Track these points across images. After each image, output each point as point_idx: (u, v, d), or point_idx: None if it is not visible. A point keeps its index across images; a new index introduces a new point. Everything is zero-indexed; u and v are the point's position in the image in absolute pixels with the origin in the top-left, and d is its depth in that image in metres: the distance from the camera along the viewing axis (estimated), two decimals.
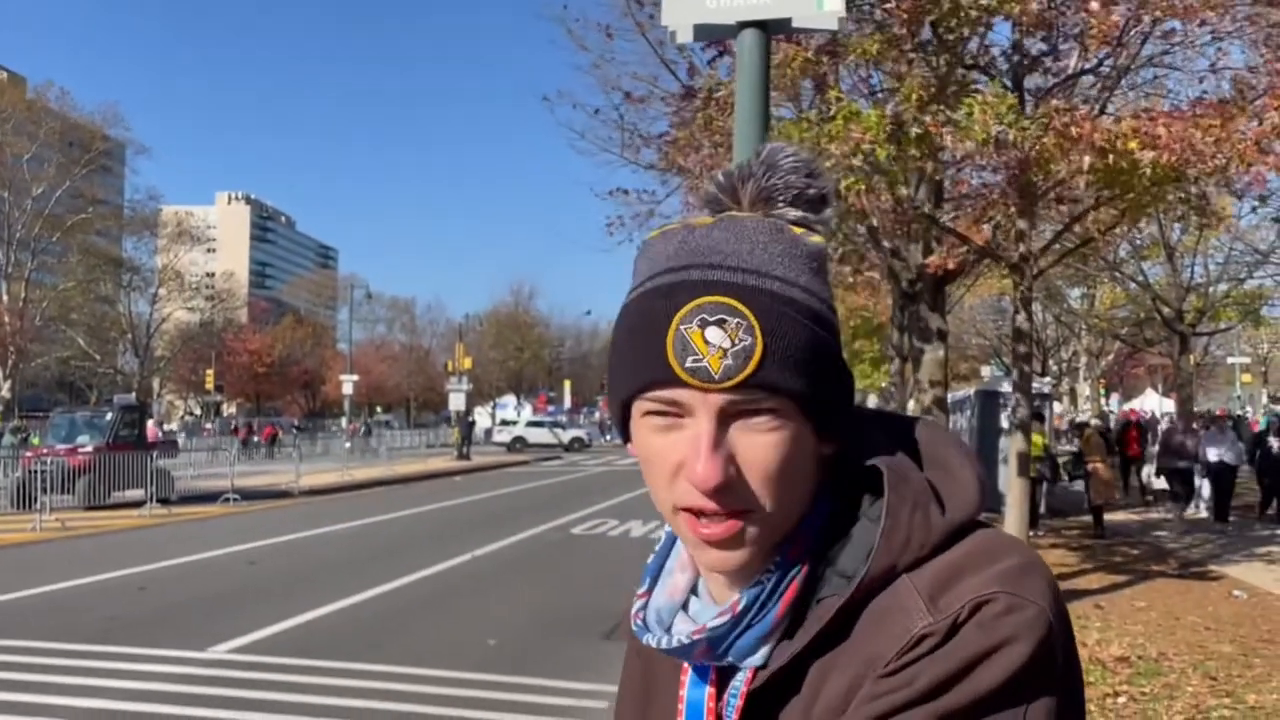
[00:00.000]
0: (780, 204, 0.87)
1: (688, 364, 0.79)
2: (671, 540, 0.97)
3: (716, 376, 0.78)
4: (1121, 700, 6.38)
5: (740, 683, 0.86)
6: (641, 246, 0.90)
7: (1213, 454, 15.91)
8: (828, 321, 0.84)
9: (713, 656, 0.86)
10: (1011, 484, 11.44)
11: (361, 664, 7.55)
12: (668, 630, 0.90)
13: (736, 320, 0.79)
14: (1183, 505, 16.07)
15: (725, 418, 0.80)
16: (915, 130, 8.21)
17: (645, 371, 0.81)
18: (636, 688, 1.03)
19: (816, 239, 0.86)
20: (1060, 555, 12.88)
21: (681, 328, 0.79)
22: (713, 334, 0.79)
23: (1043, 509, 16.06)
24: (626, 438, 0.89)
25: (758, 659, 0.85)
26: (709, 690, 0.89)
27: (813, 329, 0.82)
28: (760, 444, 0.80)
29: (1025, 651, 0.75)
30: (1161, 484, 17.16)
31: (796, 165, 0.88)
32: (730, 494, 0.80)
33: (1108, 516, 15.62)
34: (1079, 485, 17.19)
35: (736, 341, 0.79)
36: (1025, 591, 0.77)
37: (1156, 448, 17.34)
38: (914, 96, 8.21)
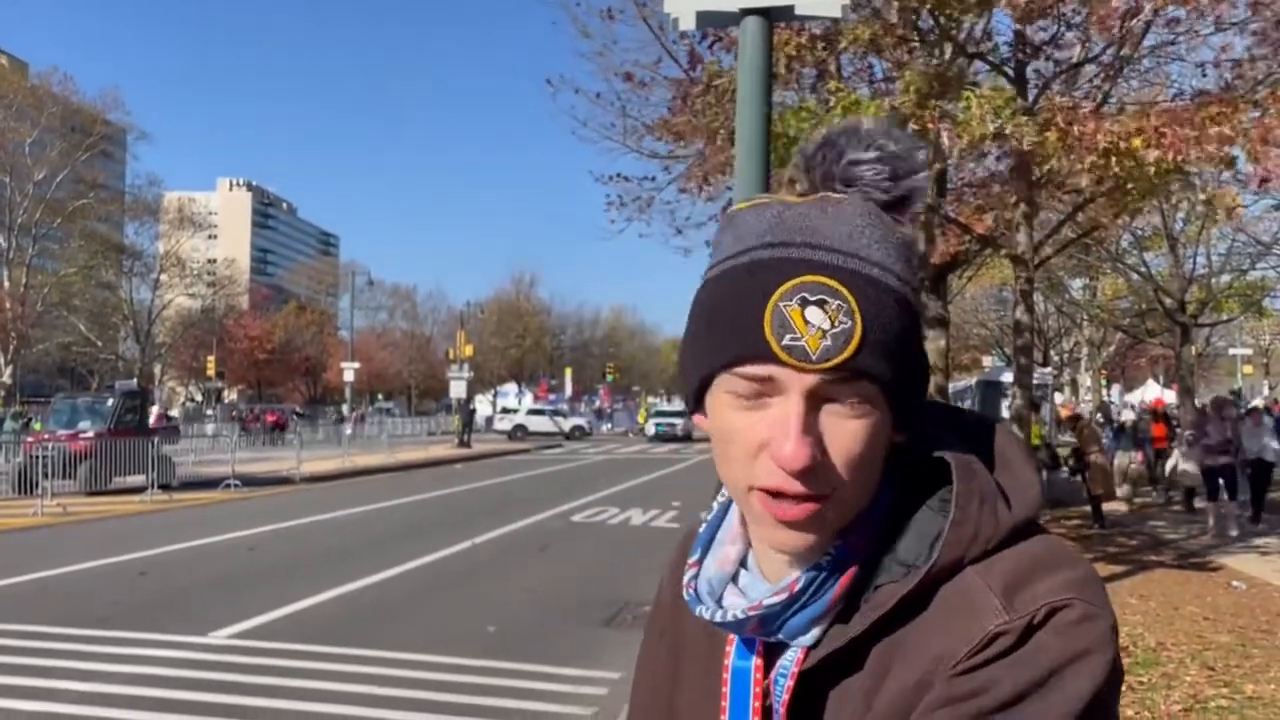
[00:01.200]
0: (874, 192, 0.85)
1: (785, 341, 0.78)
2: (724, 511, 0.97)
3: (814, 357, 0.77)
4: None
5: (791, 661, 0.86)
6: (727, 218, 0.88)
7: (1252, 447, 14.74)
8: (915, 312, 0.84)
9: (764, 633, 0.87)
10: None
11: (361, 649, 7.57)
12: (718, 602, 0.90)
13: (837, 302, 0.78)
14: (1225, 504, 14.09)
15: (815, 400, 0.79)
16: (913, 127, 8.19)
17: (738, 345, 0.80)
18: (662, 669, 1.03)
19: (908, 229, 0.85)
20: None
21: (781, 304, 0.78)
22: (813, 314, 0.78)
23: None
24: (696, 409, 0.88)
25: (809, 639, 0.85)
26: (756, 662, 0.89)
27: (905, 318, 0.82)
28: (848, 429, 0.80)
29: (1105, 664, 0.75)
30: (1190, 478, 15.46)
31: (886, 158, 0.85)
32: (814, 477, 0.79)
33: (1113, 508, 15.63)
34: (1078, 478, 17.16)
35: (836, 324, 0.78)
36: (1097, 601, 0.78)
37: (1185, 442, 15.57)
38: (913, 89, 8.19)
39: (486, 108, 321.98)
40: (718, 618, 0.88)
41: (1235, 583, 10.27)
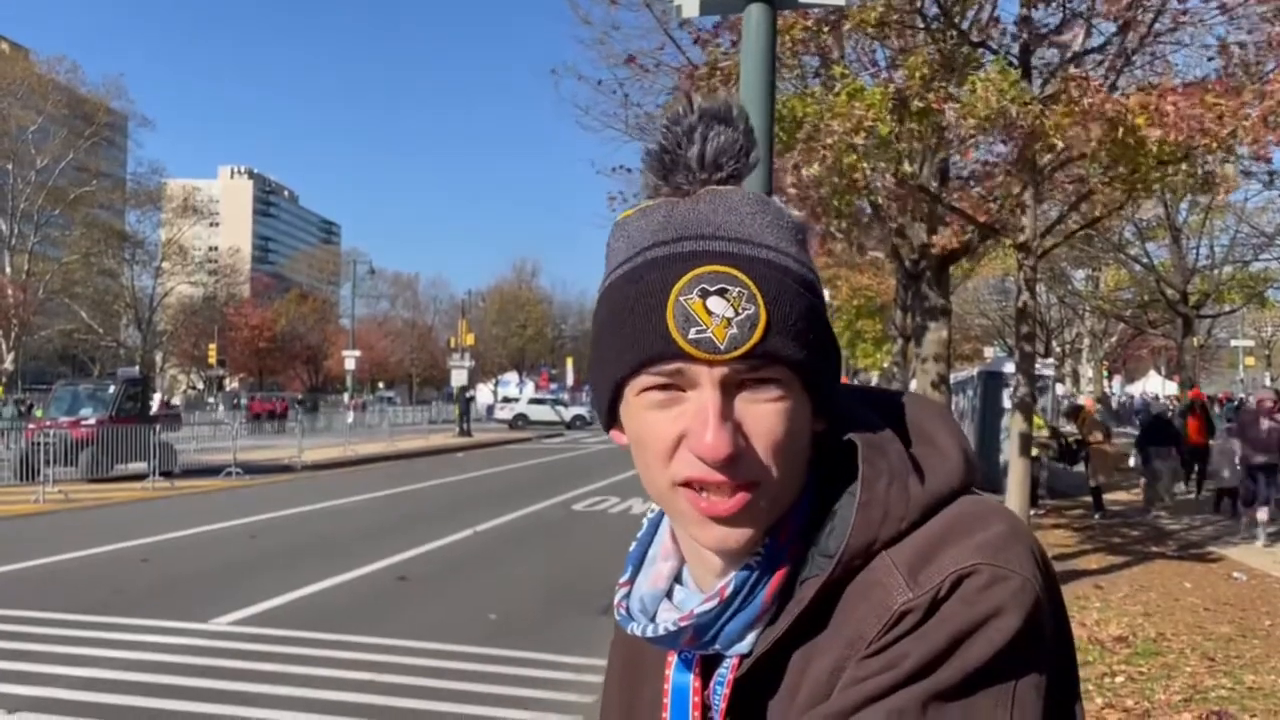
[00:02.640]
0: (730, 164, 0.83)
1: (691, 335, 0.76)
2: (653, 528, 0.95)
3: (722, 347, 0.76)
4: (1119, 680, 6.40)
5: (727, 670, 0.84)
6: (616, 226, 0.86)
7: None
8: (818, 292, 0.82)
9: (700, 644, 0.85)
10: (1013, 464, 11.44)
11: (362, 637, 7.58)
12: (652, 619, 0.88)
13: (738, 289, 0.77)
14: (1260, 509, 12.81)
15: (729, 389, 0.78)
16: (918, 104, 8.16)
17: (644, 347, 0.78)
18: (621, 677, 1.02)
19: (796, 213, 0.84)
20: (1061, 536, 12.91)
21: (681, 299, 0.77)
22: (715, 303, 0.76)
23: (1043, 490, 16.08)
24: (610, 424, 0.86)
25: (744, 646, 0.83)
26: (694, 683, 0.87)
27: (809, 298, 0.80)
28: (766, 413, 0.78)
29: (1013, 624, 0.73)
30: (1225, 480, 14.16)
31: (734, 131, 0.83)
32: (739, 465, 0.77)
33: (1111, 500, 15.62)
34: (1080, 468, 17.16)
35: (740, 310, 0.76)
36: (1008, 562, 0.75)
37: (1225, 437, 14.16)
38: (918, 74, 8.16)
39: (489, 96, 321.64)
40: (649, 633, 0.86)
41: (1236, 574, 10.28)
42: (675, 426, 0.79)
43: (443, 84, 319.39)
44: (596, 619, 8.02)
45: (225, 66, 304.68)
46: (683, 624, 0.83)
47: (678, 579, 0.91)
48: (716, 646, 0.84)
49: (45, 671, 6.63)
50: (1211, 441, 16.66)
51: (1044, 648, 0.75)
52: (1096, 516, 14.77)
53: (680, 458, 0.79)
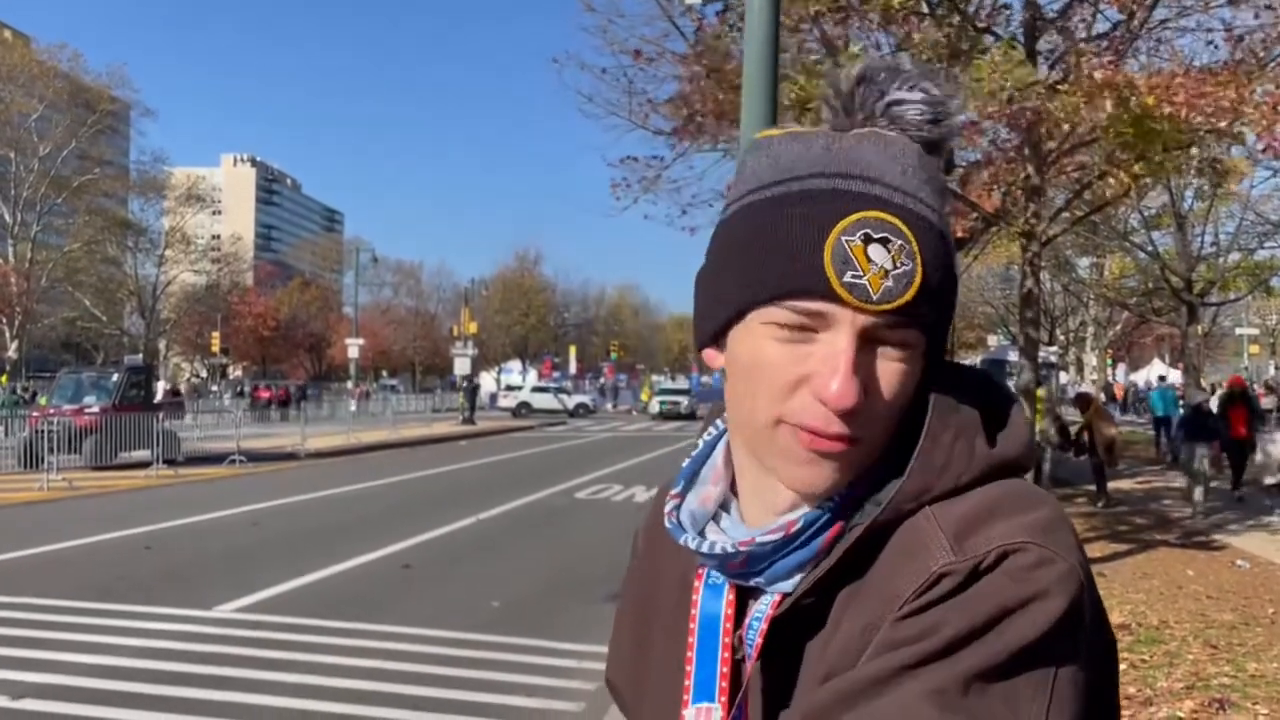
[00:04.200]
0: (916, 133, 0.81)
1: (846, 278, 0.74)
2: (709, 448, 0.93)
3: (875, 297, 0.74)
4: (1122, 667, 6.37)
5: (766, 607, 0.82)
6: (759, 145, 0.83)
7: None
8: (955, 259, 0.81)
9: (745, 574, 0.83)
10: None
11: (366, 624, 7.60)
12: (700, 533, 0.86)
13: (900, 242, 0.74)
14: None
15: (865, 340, 0.76)
16: None
17: (791, 278, 0.75)
18: (637, 614, 1.00)
19: (943, 174, 0.82)
20: None
21: (844, 238, 0.74)
22: (876, 251, 0.74)
23: (1046, 480, 16.06)
24: (710, 344, 0.84)
25: (788, 585, 0.81)
26: (726, 611, 0.85)
27: (952, 265, 0.79)
28: (893, 373, 0.77)
29: (1058, 607, 0.70)
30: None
31: (930, 101, 0.81)
32: (858, 418, 0.75)
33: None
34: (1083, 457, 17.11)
35: (898, 264, 0.74)
36: (1057, 546, 0.73)
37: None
38: (924, 57, 8.12)
39: (491, 84, 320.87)
40: (704, 549, 0.83)
41: (1239, 561, 10.27)
42: (800, 367, 0.76)
43: (445, 72, 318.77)
44: (599, 606, 8.03)
45: (227, 55, 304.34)
46: (743, 548, 0.81)
47: (724, 507, 0.90)
48: (760, 580, 0.82)
49: (50, 658, 6.65)
50: (1259, 432, 15.35)
51: (1084, 637, 0.73)
52: (1101, 504, 14.77)
53: (799, 399, 0.76)
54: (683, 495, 0.91)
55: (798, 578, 0.81)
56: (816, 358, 0.76)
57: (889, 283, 0.74)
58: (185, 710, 5.69)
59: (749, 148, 0.84)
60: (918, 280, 0.75)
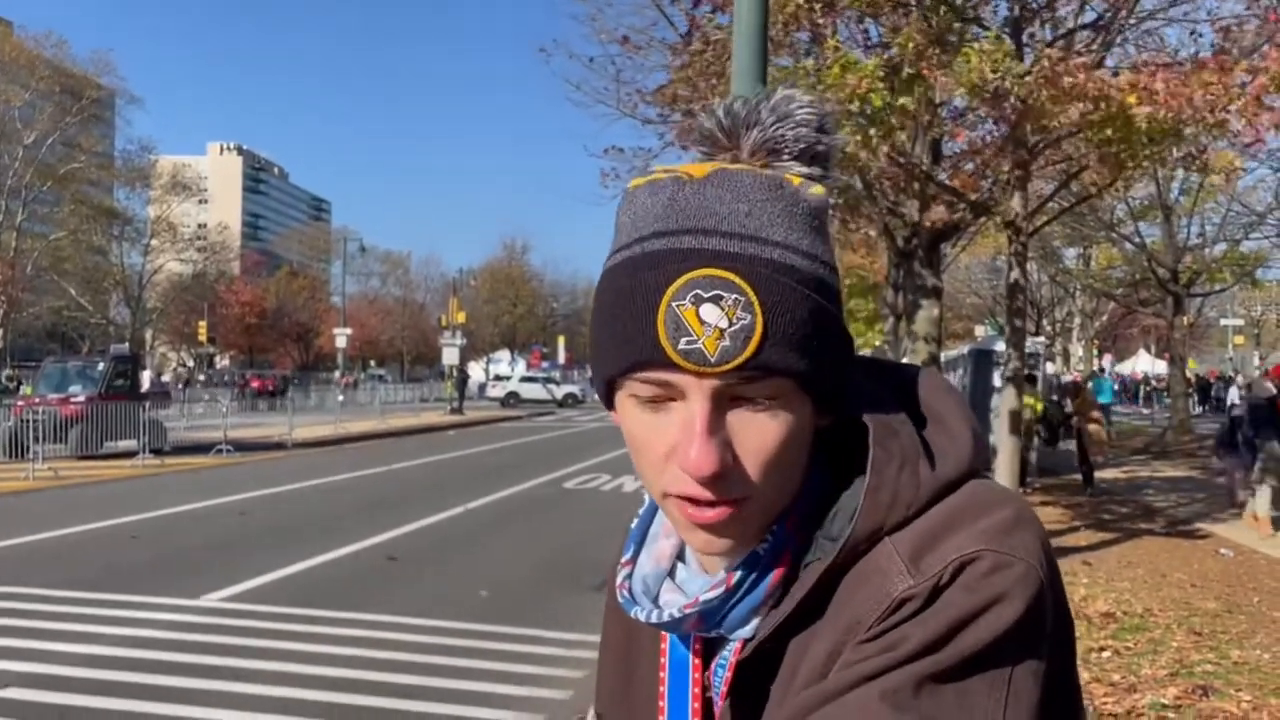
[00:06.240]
0: (785, 157, 0.80)
1: (681, 346, 0.72)
2: (655, 506, 0.93)
3: (713, 360, 0.72)
4: (1106, 655, 6.44)
5: (729, 653, 0.83)
6: (625, 196, 0.82)
7: None
8: (830, 288, 0.78)
9: (704, 629, 0.83)
10: (1002, 442, 11.49)
11: (354, 613, 7.60)
12: (655, 599, 0.87)
13: (734, 296, 0.72)
14: None
15: (721, 400, 0.74)
16: (909, 70, 8.11)
17: (634, 351, 0.75)
18: (620, 649, 1.00)
19: (817, 190, 0.79)
20: (1050, 513, 12.97)
21: (674, 304, 0.73)
22: (708, 312, 0.72)
23: (1032, 470, 16.14)
24: (611, 406, 0.83)
25: (748, 630, 0.81)
26: (693, 655, 0.86)
27: (816, 300, 0.76)
28: (759, 427, 0.75)
29: (1015, 610, 0.71)
30: None
31: (808, 118, 0.80)
32: (726, 481, 0.75)
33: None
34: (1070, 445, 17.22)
35: (734, 320, 0.72)
36: (1012, 548, 0.73)
37: None
38: (911, 45, 8.12)
39: (479, 72, 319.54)
40: (654, 618, 0.83)
41: (1223, 550, 10.34)
42: (665, 439, 0.76)
43: (432, 61, 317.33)
44: (587, 595, 8.04)
45: (213, 43, 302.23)
46: (687, 611, 0.81)
47: (680, 556, 0.89)
48: (721, 631, 0.83)
49: (35, 647, 6.63)
50: None
51: (1044, 635, 0.73)
52: (1087, 494, 14.85)
53: (671, 469, 0.76)
54: (634, 560, 0.91)
55: (755, 621, 0.81)
56: (676, 427, 0.75)
57: (725, 342, 0.72)
58: (172, 699, 5.68)
59: (622, 199, 0.83)
60: (758, 333, 0.72)
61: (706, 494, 0.75)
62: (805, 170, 0.80)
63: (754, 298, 0.73)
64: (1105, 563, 9.59)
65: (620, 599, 0.88)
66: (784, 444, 0.76)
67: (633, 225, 0.79)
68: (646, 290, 0.74)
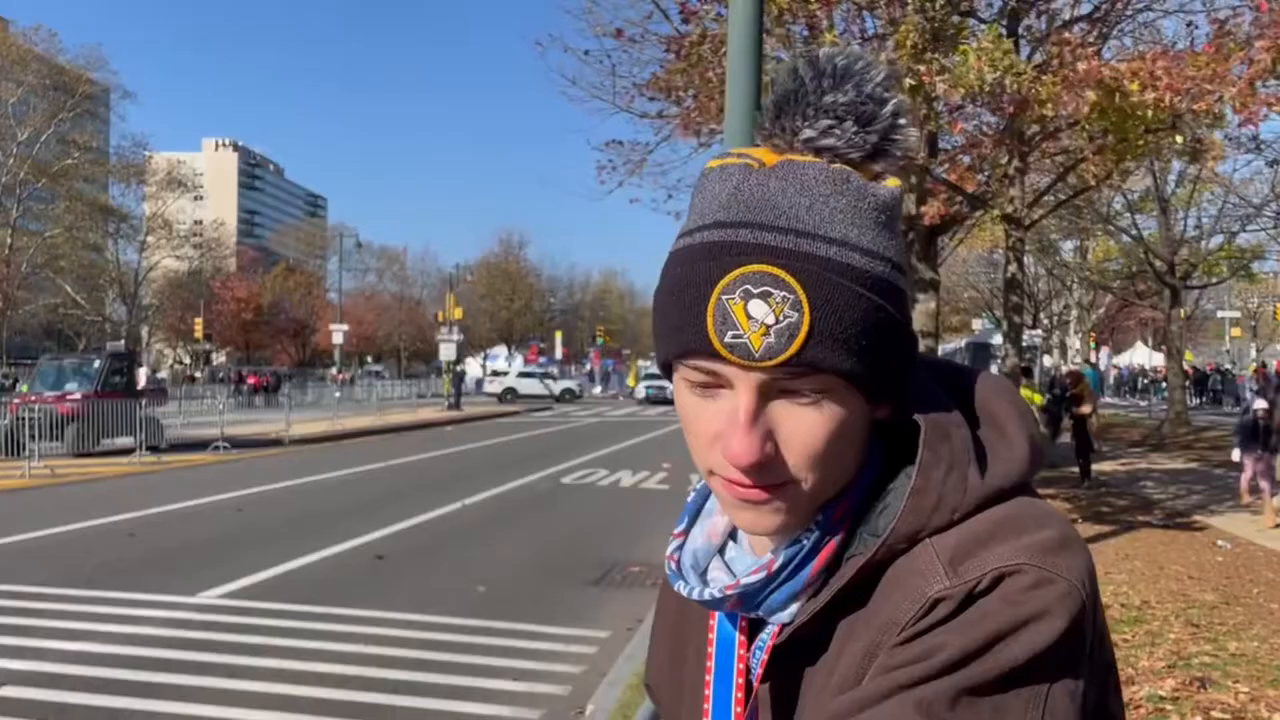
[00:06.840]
0: (839, 137, 0.77)
1: (727, 339, 0.74)
2: None
3: (756, 355, 0.73)
4: None
5: (768, 636, 0.84)
6: (701, 177, 0.83)
7: None
8: (891, 287, 0.77)
9: (744, 609, 0.85)
10: None
11: (352, 609, 7.59)
12: (702, 575, 0.88)
13: (783, 293, 0.73)
14: None
15: (767, 392, 0.75)
16: (909, 81, 8.10)
17: (685, 339, 0.76)
18: (671, 627, 1.01)
19: (892, 183, 0.78)
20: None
21: (723, 298, 0.74)
22: (756, 308, 0.73)
23: None
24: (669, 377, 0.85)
25: (786, 615, 0.83)
26: (739, 634, 0.87)
27: (870, 299, 0.75)
28: (802, 421, 0.76)
29: (1056, 628, 0.71)
30: None
31: (896, 110, 0.77)
32: (766, 471, 0.76)
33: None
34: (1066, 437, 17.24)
35: (781, 318, 0.73)
36: (1056, 566, 0.73)
37: None
38: (908, 43, 8.10)
39: (475, 68, 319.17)
40: (695, 595, 0.85)
41: (1220, 542, 10.35)
42: (713, 422, 0.78)
43: (429, 56, 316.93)
44: (585, 590, 8.04)
45: (208, 38, 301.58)
46: (729, 591, 0.82)
47: (733, 535, 0.91)
48: (759, 612, 0.84)
49: (33, 645, 6.62)
50: None
51: (1083, 657, 0.73)
52: (1085, 485, 14.87)
53: (716, 454, 0.78)
54: (686, 533, 0.92)
55: (794, 607, 0.82)
56: (723, 414, 0.77)
57: (770, 339, 0.73)
58: (169, 696, 5.67)
59: (699, 178, 0.83)
60: (803, 332, 0.73)
61: (746, 480, 0.77)
62: (879, 167, 0.79)
63: (803, 295, 0.73)
64: (1103, 555, 9.60)
65: (668, 570, 0.90)
66: (829, 438, 0.77)
67: (700, 210, 0.80)
68: (700, 282, 0.76)
